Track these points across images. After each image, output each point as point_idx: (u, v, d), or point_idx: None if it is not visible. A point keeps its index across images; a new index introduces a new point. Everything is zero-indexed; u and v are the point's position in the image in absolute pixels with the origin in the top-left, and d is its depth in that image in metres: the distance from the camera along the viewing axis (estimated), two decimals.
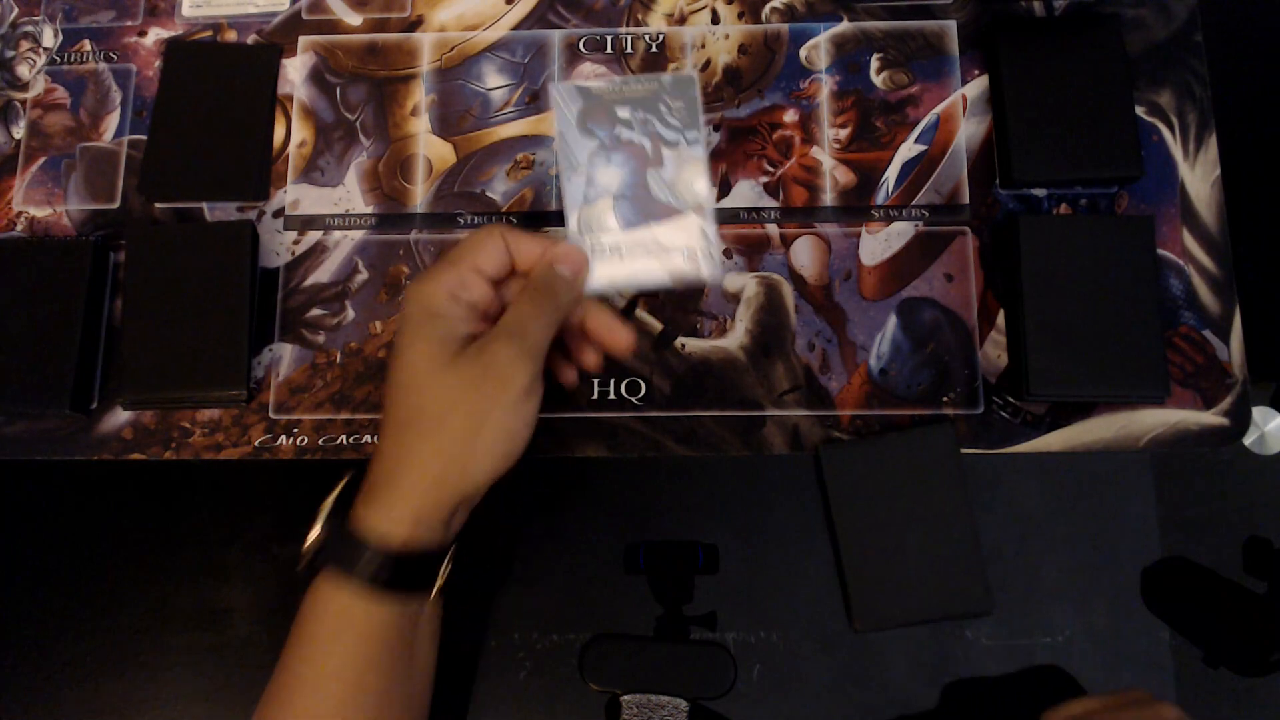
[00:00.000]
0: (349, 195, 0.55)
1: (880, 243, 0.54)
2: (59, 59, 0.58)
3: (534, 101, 0.57)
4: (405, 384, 0.42)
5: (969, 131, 0.55)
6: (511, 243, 0.44)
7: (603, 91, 0.47)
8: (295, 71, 0.57)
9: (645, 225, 0.46)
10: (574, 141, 0.46)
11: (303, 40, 0.58)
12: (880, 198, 0.54)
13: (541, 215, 0.55)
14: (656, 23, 0.57)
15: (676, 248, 0.45)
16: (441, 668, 0.45)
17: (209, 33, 0.58)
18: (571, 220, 0.46)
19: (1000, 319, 0.53)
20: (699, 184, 0.46)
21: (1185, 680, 0.50)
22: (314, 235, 0.55)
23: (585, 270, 0.45)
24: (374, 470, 0.42)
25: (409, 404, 0.42)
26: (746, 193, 0.55)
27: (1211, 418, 0.52)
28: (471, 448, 0.41)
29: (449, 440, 0.41)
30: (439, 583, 0.44)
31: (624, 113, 0.47)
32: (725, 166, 0.55)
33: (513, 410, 0.41)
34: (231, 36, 0.58)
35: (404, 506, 0.41)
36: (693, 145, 0.46)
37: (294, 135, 0.56)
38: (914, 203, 0.54)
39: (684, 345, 0.54)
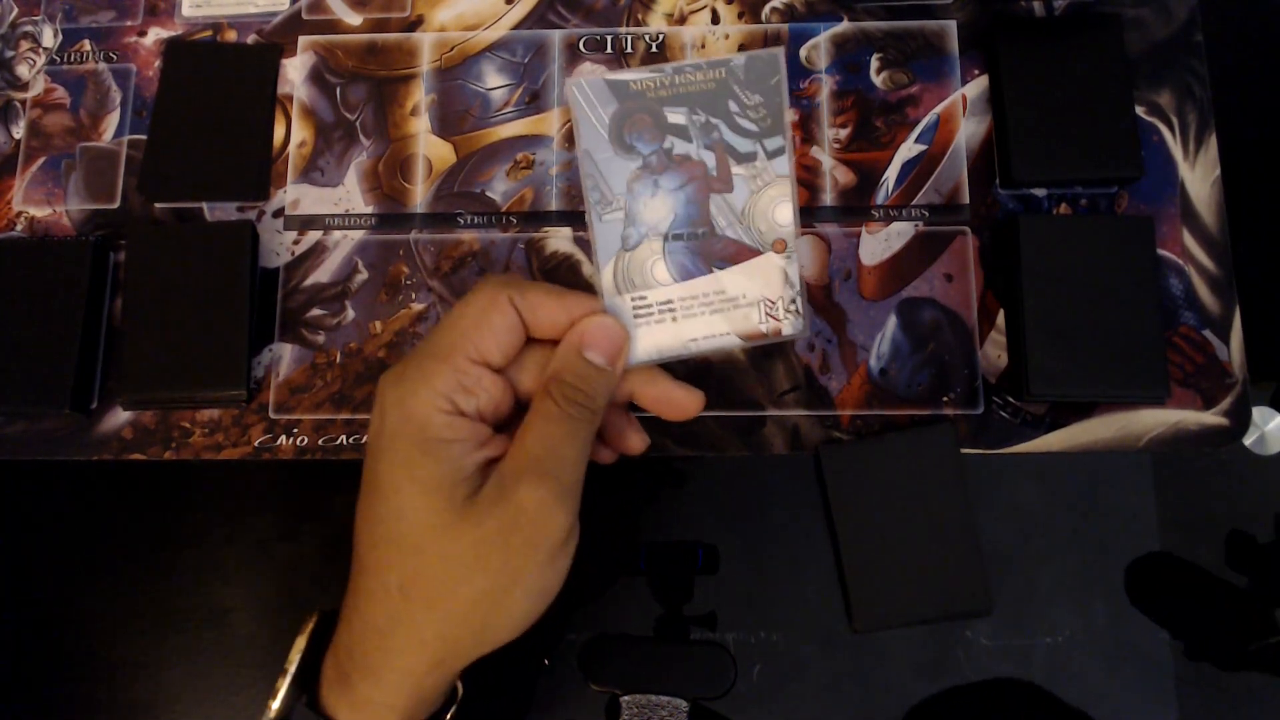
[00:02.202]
0: (349, 195, 0.56)
1: (880, 243, 0.54)
2: (59, 59, 0.58)
3: (534, 101, 0.57)
4: (399, 540, 0.32)
5: (969, 131, 0.55)
6: (523, 307, 0.34)
7: (646, 86, 0.34)
8: (295, 71, 0.57)
9: (708, 274, 0.35)
10: (606, 162, 0.34)
11: (303, 40, 0.58)
12: (880, 198, 0.54)
13: (542, 215, 0.55)
14: (656, 23, 0.57)
15: (751, 300, 0.35)
16: None
17: (209, 33, 0.58)
18: (605, 274, 0.35)
19: (1000, 319, 0.53)
20: (782, 212, 0.35)
21: (1185, 680, 0.50)
22: (314, 235, 0.55)
23: (625, 350, 0.35)
24: (352, 639, 0.33)
25: (406, 567, 0.32)
26: None
27: (1211, 418, 0.52)
28: (491, 618, 0.33)
29: (462, 614, 0.32)
30: None
31: (677, 116, 0.34)
32: None
33: (548, 567, 0.33)
34: (231, 36, 0.58)
35: (392, 696, 0.32)
36: (775, 158, 0.35)
37: (294, 135, 0.56)
38: (914, 203, 0.54)
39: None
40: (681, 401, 0.36)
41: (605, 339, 0.34)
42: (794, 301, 0.35)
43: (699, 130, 0.34)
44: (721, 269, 0.35)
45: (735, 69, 0.34)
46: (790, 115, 0.38)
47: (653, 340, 0.35)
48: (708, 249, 0.35)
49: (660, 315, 0.35)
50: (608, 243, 0.35)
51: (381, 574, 0.32)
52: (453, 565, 0.32)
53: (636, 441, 0.38)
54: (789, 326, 0.35)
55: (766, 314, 0.35)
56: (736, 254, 0.35)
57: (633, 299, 0.35)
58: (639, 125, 0.34)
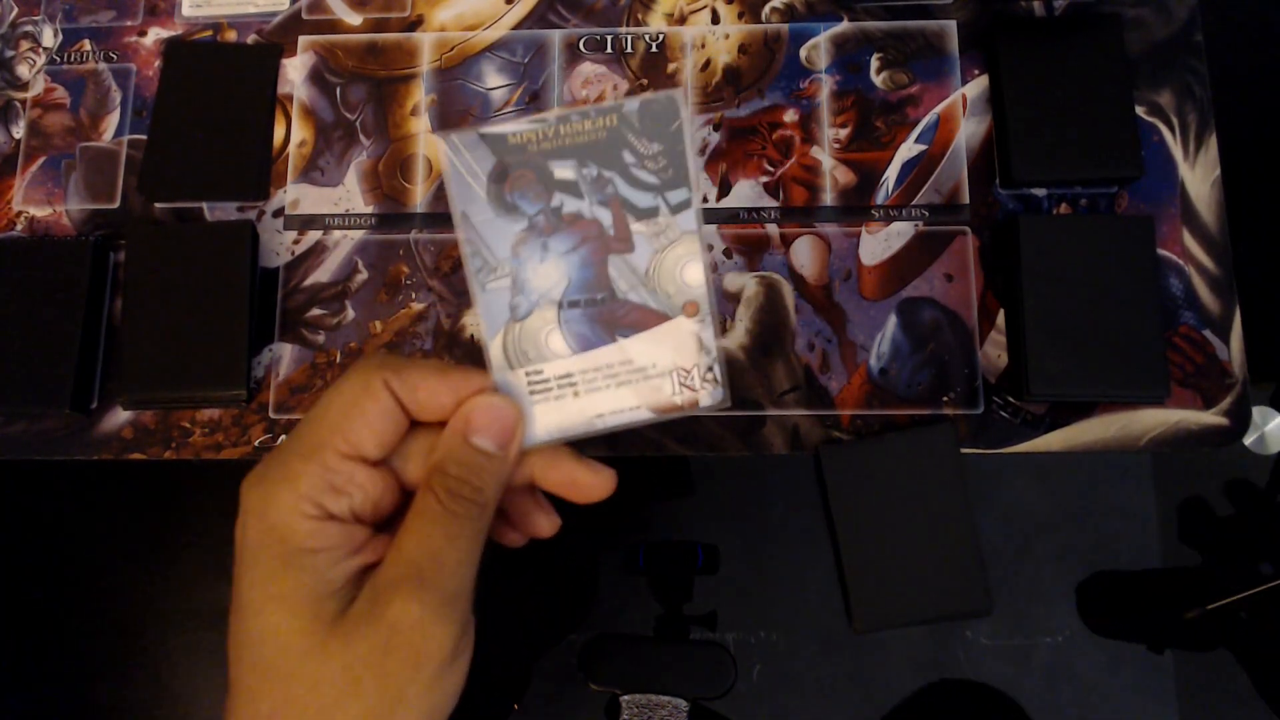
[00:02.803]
0: (349, 195, 0.55)
1: (880, 243, 0.54)
2: (59, 59, 0.58)
3: (534, 101, 0.57)
4: (267, 666, 0.29)
5: (969, 131, 0.55)
6: (401, 389, 0.30)
7: (528, 139, 0.30)
8: (295, 71, 0.57)
9: (611, 343, 0.31)
10: (486, 224, 0.30)
11: (303, 40, 0.58)
12: (880, 197, 0.54)
13: None
14: (656, 23, 0.57)
15: (662, 370, 0.31)
16: None
17: (209, 33, 0.58)
18: (494, 347, 0.31)
19: (1000, 319, 0.53)
20: (692, 271, 0.31)
21: (1185, 680, 0.50)
22: (314, 235, 0.55)
23: (519, 432, 0.31)
24: None
25: (276, 695, 0.29)
26: (746, 192, 0.55)
27: (1211, 418, 0.52)
28: None
29: None
30: None
31: (565, 170, 0.30)
32: (725, 166, 0.55)
33: (434, 685, 0.29)
34: (231, 36, 0.58)
35: None
36: (679, 212, 0.31)
37: (294, 135, 0.56)
38: (914, 202, 0.54)
39: None
40: (588, 484, 0.31)
41: (494, 421, 0.30)
42: (710, 369, 0.31)
43: (590, 185, 0.30)
44: (626, 337, 0.31)
45: (629, 116, 0.30)
46: (698, 163, 0.34)
47: (552, 418, 0.31)
48: (609, 315, 0.31)
49: (560, 390, 0.31)
50: (495, 313, 0.30)
51: (254, 702, 0.30)
52: (325, 692, 0.28)
53: (545, 525, 0.34)
54: (706, 397, 0.31)
55: (681, 384, 0.31)
56: (642, 319, 0.31)
57: (527, 374, 0.31)
58: (522, 183, 0.30)
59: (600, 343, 0.31)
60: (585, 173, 0.30)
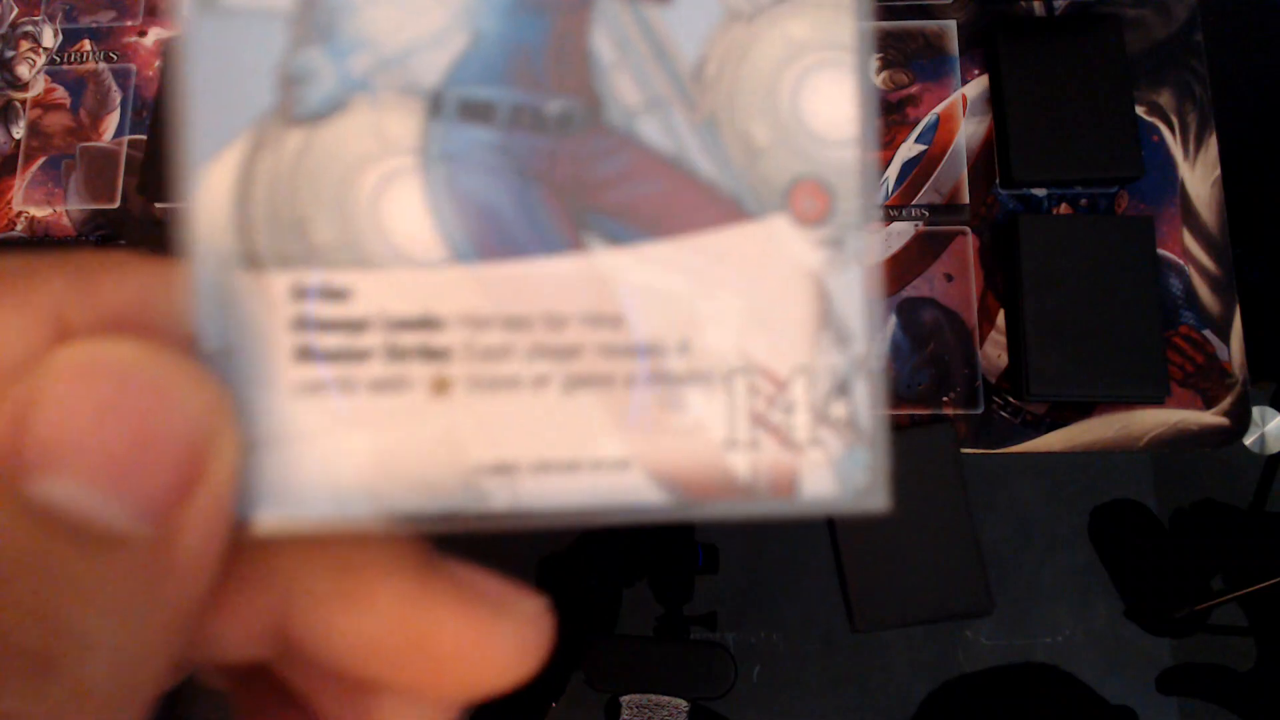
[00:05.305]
0: None
1: (880, 242, 0.54)
2: (59, 59, 0.58)
3: None
4: None
5: (969, 131, 0.55)
6: None
7: None
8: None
9: (567, 248, 0.12)
10: None
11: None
12: (880, 197, 0.54)
13: None
14: None
15: (702, 367, 0.12)
16: None
17: None
18: (208, 185, 0.11)
19: (1000, 319, 0.53)
20: (829, 96, 0.12)
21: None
22: None
23: (216, 475, 0.11)
24: None
25: None
26: None
27: (1211, 418, 0.52)
28: None
29: None
30: None
31: None
32: None
33: None
34: None
35: None
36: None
37: None
38: (914, 202, 0.54)
39: None
40: (466, 652, 0.12)
41: (123, 422, 0.10)
42: (844, 392, 0.12)
43: None
44: (614, 241, 0.12)
45: None
46: None
47: (370, 452, 0.12)
48: (572, 168, 0.12)
49: (394, 366, 0.12)
50: (228, 80, 0.12)
51: None
52: None
53: None
54: (821, 472, 0.12)
55: (754, 422, 0.12)
56: (663, 200, 0.12)
57: (295, 291, 0.12)
58: None
59: (537, 244, 0.12)
60: None
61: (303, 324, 0.12)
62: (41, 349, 0.10)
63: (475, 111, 0.12)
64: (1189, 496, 0.52)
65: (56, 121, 0.57)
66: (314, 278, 0.12)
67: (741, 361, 0.12)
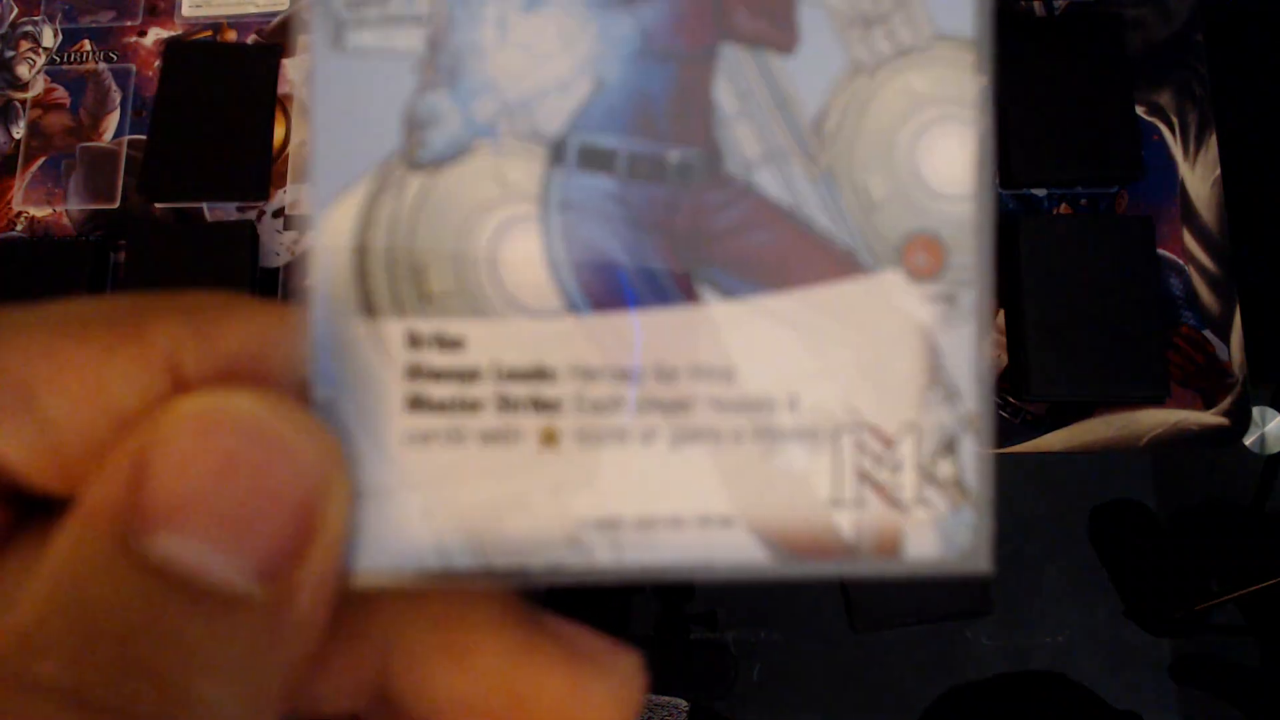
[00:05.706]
0: None
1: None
2: (59, 59, 0.58)
3: None
4: None
5: None
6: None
7: None
8: (295, 71, 0.57)
9: (682, 300, 0.12)
10: None
11: (303, 40, 0.58)
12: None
13: None
14: None
15: (810, 425, 0.12)
16: None
17: (209, 33, 0.58)
18: (329, 229, 0.12)
19: (1000, 319, 0.53)
20: (946, 150, 0.13)
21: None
22: None
23: (328, 536, 0.11)
24: None
25: None
26: None
27: (1211, 418, 0.52)
28: None
29: None
30: None
31: None
32: None
33: None
34: (231, 36, 0.58)
35: None
36: None
37: (294, 135, 0.56)
38: None
39: None
40: (571, 708, 0.12)
41: (239, 486, 0.10)
42: (951, 451, 0.13)
43: None
44: (726, 295, 0.12)
45: None
46: None
47: (476, 508, 0.12)
48: (691, 219, 0.12)
49: (506, 418, 0.12)
50: (354, 126, 0.11)
51: None
52: None
53: None
54: (927, 534, 0.13)
55: (861, 479, 0.12)
56: (778, 254, 0.12)
57: (412, 338, 0.12)
58: None
59: (650, 295, 0.12)
60: None
61: (416, 373, 0.12)
62: (157, 399, 0.10)
63: (596, 160, 0.12)
64: (1189, 496, 0.52)
65: (56, 121, 0.57)
66: (429, 326, 0.12)
67: (849, 418, 0.12)
